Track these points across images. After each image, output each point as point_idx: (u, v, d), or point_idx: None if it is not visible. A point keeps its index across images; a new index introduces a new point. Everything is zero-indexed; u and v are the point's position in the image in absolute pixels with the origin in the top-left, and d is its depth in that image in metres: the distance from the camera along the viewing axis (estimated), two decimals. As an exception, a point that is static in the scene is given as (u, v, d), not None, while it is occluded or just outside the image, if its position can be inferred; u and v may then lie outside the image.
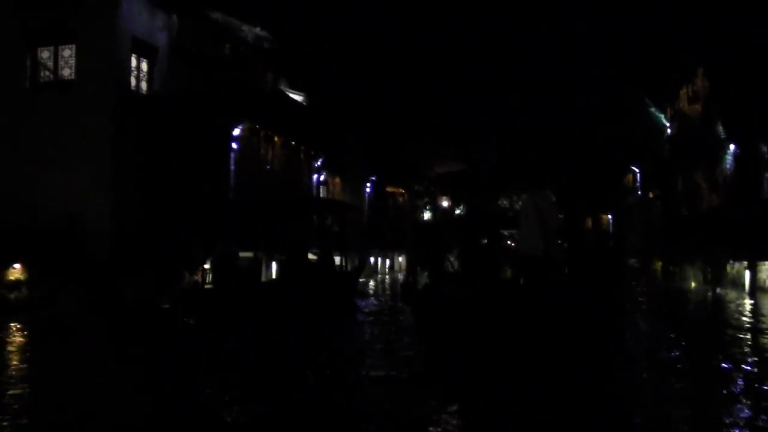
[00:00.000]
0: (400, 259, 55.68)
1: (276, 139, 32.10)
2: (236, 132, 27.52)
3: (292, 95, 39.16)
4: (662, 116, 43.58)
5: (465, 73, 61.93)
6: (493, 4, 63.21)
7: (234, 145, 27.48)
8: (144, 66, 26.04)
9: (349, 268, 26.22)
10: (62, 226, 22.74)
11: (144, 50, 25.86)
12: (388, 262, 52.36)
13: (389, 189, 53.35)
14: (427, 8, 61.07)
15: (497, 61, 62.62)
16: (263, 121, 30.22)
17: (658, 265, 45.46)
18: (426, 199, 67.36)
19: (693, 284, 36.08)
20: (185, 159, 25.18)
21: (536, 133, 61.97)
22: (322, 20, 47.79)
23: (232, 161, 27.28)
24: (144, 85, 26.07)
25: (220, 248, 21.95)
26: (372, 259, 47.74)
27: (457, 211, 73.56)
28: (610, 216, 68.73)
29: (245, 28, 35.54)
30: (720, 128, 31.96)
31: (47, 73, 24.82)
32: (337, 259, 43.03)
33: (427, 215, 66.90)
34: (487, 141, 61.39)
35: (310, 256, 34.01)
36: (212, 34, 31.29)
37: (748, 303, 25.55)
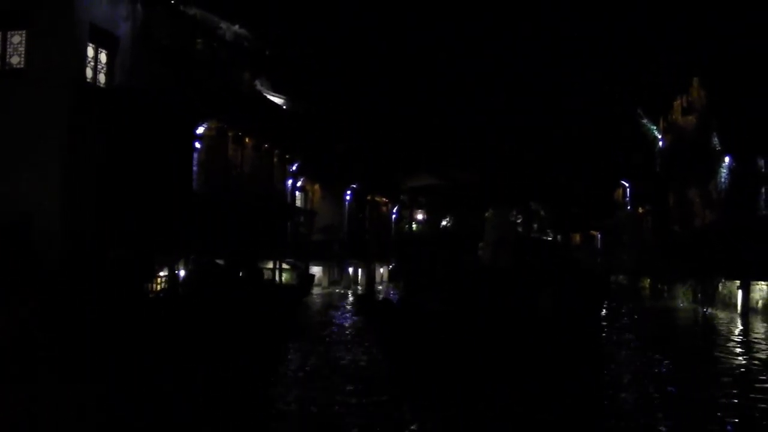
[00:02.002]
0: (382, 270, 54.19)
1: (247, 140, 30.53)
2: (200, 130, 25.90)
3: (271, 97, 37.62)
4: (654, 128, 41.95)
5: (446, 88, 60.66)
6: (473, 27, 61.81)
7: (198, 144, 25.85)
8: (103, 57, 24.28)
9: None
10: (7, 226, 20.90)
11: (103, 40, 24.07)
12: (368, 273, 50.77)
13: (371, 198, 51.72)
14: (412, 18, 59.50)
15: (479, 77, 61.48)
16: (232, 121, 28.65)
17: (647, 282, 44.10)
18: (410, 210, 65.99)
19: (682, 303, 34.72)
20: (145, 157, 23.39)
21: (520, 147, 60.92)
22: (305, 24, 46.23)
23: (195, 161, 25.63)
24: (102, 78, 24.32)
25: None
26: (351, 270, 46.25)
27: (444, 223, 72.16)
28: (599, 232, 67.49)
29: (224, 25, 33.94)
30: (715, 140, 30.42)
31: (-6, 60, 23.06)
32: (317, 270, 41.58)
33: (413, 226, 65.47)
34: (466, 157, 60.40)
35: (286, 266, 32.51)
36: (185, 29, 29.59)
37: (739, 326, 24.06)
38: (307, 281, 19.63)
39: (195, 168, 25.72)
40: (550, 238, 71.33)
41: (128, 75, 25.03)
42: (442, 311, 13.02)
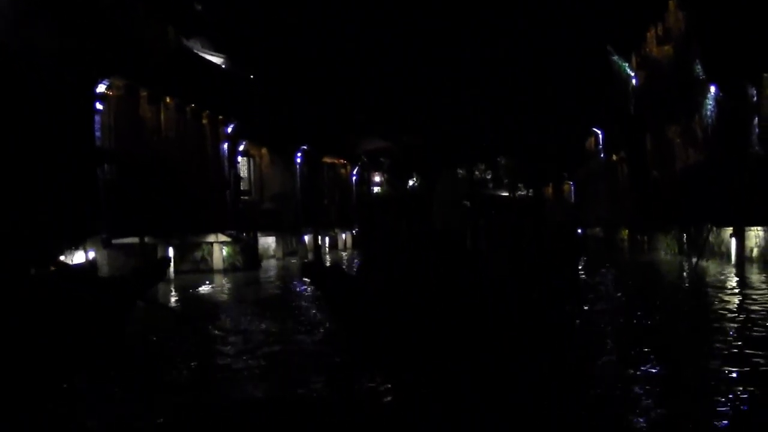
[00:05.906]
0: (344, 236, 51.09)
1: (168, 100, 26.99)
2: (101, 89, 22.28)
3: (209, 56, 34.08)
4: (626, 65, 38.55)
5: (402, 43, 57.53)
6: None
7: (99, 106, 22.24)
8: (-21, 5, 20.66)
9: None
10: None
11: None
12: (328, 240, 47.52)
13: (327, 160, 48.23)
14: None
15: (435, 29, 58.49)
16: (146, 78, 25.10)
17: (625, 234, 41.25)
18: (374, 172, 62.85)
19: (666, 255, 31.79)
20: (35, 122, 19.79)
21: (482, 100, 58.13)
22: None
23: (97, 125, 22.04)
24: (-20, 31, 20.67)
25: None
26: (307, 239, 43.00)
27: (411, 183, 69.27)
28: (572, 183, 64.75)
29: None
30: (698, 68, 27.00)
31: None
32: (270, 241, 38.19)
33: (374, 189, 62.32)
34: (421, 116, 57.64)
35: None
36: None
37: (733, 280, 20.85)
38: (154, 269, 13.09)
39: (98, 134, 22.14)
40: (522, 193, 68.96)
41: (13, 26, 21.38)
42: (394, 279, 11.43)
